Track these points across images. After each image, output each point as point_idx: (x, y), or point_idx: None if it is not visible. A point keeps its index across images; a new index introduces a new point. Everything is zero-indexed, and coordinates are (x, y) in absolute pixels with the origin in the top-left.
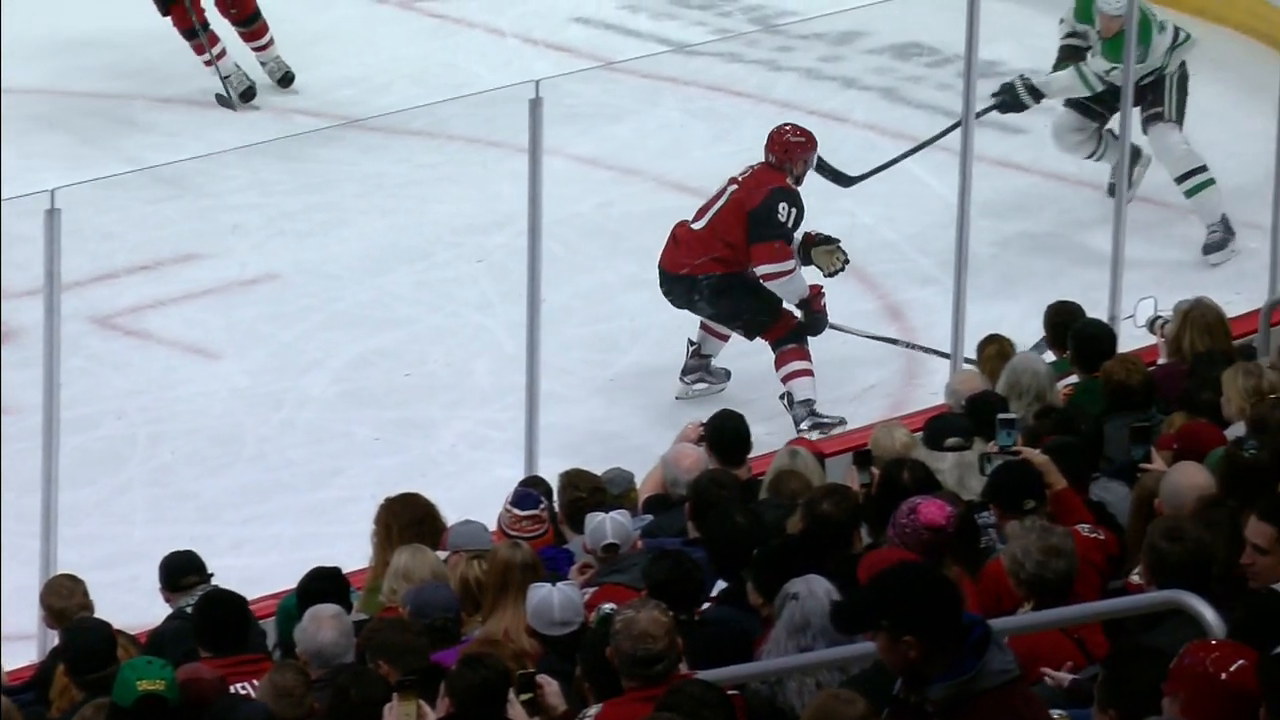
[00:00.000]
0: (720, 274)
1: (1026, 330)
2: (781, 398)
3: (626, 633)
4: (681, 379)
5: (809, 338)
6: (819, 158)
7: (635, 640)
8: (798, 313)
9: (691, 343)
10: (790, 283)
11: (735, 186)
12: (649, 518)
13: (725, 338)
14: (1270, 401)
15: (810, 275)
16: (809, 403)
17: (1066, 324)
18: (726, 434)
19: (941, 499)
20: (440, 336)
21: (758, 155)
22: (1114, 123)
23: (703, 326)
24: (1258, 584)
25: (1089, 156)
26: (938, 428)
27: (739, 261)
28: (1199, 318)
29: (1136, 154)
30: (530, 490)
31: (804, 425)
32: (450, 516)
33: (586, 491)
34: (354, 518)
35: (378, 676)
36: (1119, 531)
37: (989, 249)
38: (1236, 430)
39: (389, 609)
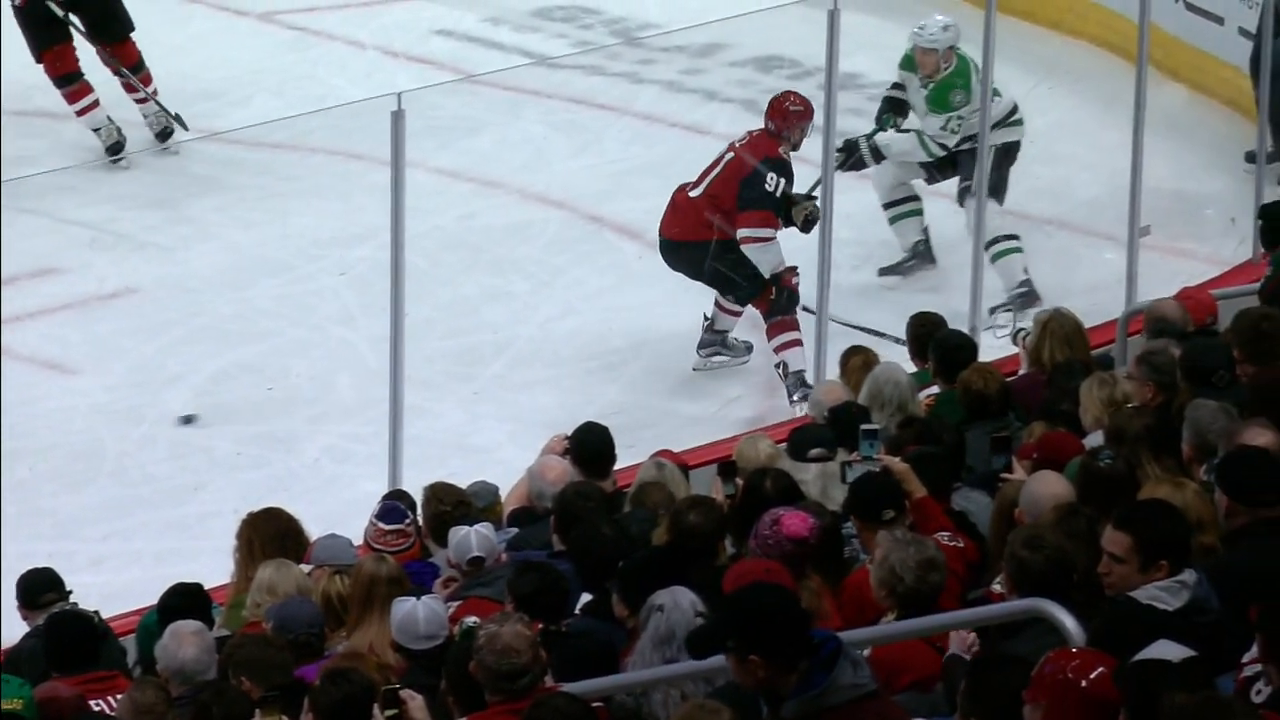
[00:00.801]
0: (718, 241)
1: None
2: (777, 367)
3: (490, 647)
4: (697, 352)
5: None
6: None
7: (499, 655)
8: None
9: (706, 317)
10: (765, 250)
11: (732, 154)
12: (514, 531)
13: (736, 313)
14: (1127, 411)
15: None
16: (800, 374)
17: (928, 335)
18: (591, 446)
19: (805, 510)
20: (303, 350)
21: (621, 167)
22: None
23: (715, 302)
24: (1115, 592)
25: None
26: (801, 439)
27: (733, 228)
28: (1057, 328)
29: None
30: (396, 504)
31: (795, 396)
32: (314, 531)
33: (451, 505)
34: (216, 533)
35: (240, 693)
36: (979, 540)
37: (851, 260)
38: (1095, 439)
39: (252, 624)
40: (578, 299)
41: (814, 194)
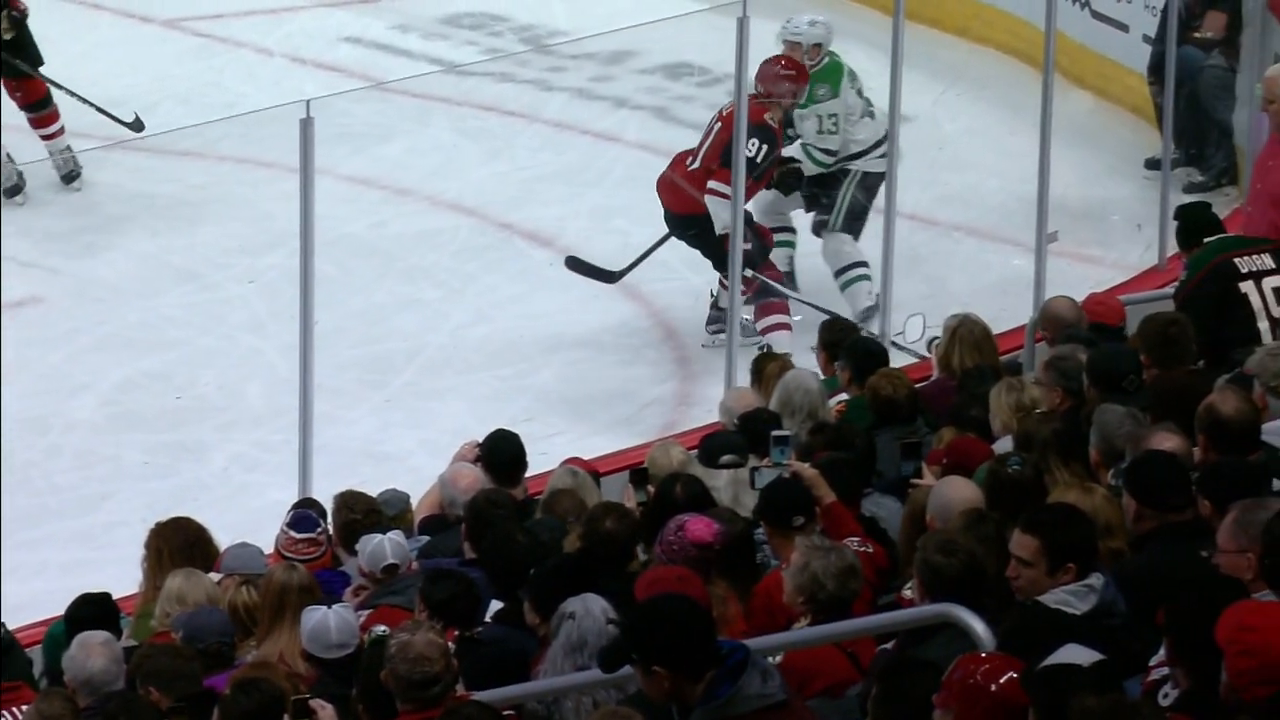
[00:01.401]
0: (703, 215)
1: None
2: (761, 349)
3: (402, 656)
4: (706, 329)
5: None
6: (576, 258)
7: (412, 663)
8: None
9: (712, 294)
10: (724, 207)
11: (720, 124)
12: (425, 539)
13: (742, 290)
14: (1036, 416)
15: None
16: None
17: (839, 341)
18: (502, 454)
19: (714, 516)
20: (211, 358)
21: (531, 174)
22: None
23: (720, 280)
24: (1023, 596)
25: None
26: (712, 445)
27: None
28: (966, 334)
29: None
30: (308, 512)
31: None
32: (223, 540)
33: (362, 513)
34: (124, 542)
35: (148, 704)
36: (889, 546)
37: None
38: (1004, 445)
39: (160, 634)
40: (489, 306)
41: (796, 160)
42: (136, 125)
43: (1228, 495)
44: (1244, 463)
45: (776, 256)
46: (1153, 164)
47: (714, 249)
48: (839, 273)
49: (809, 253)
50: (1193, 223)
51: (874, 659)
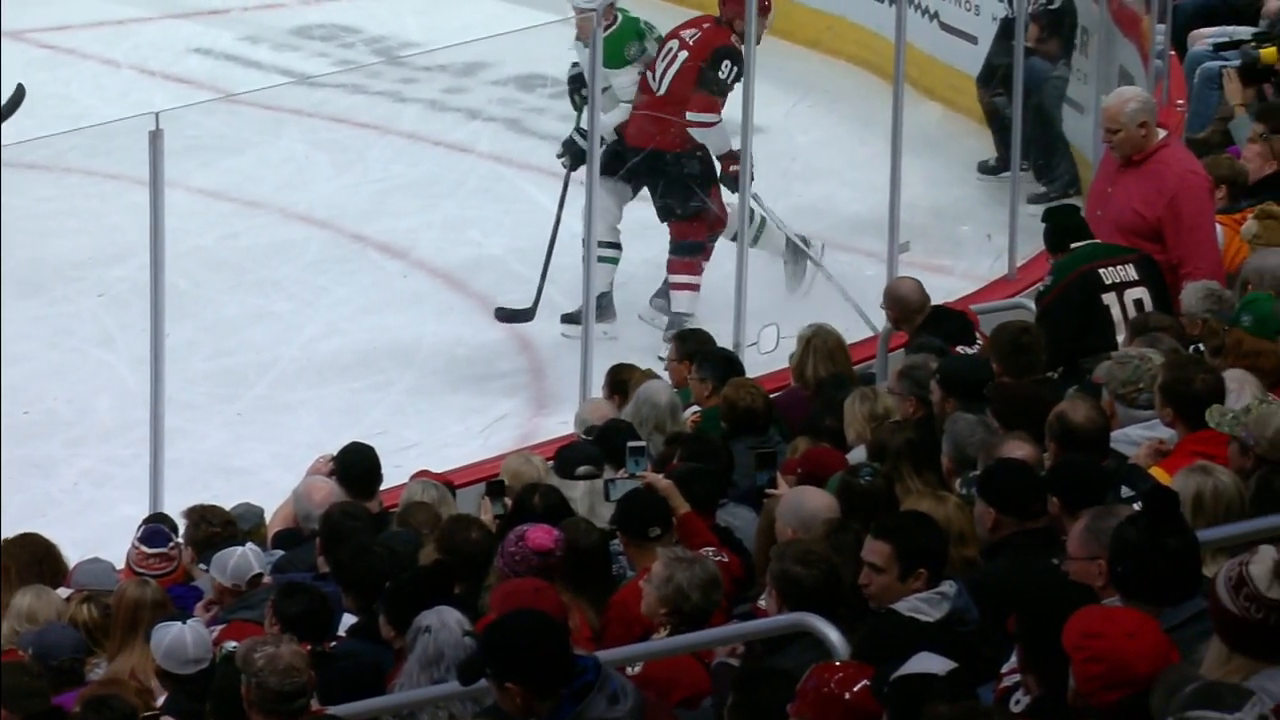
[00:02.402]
0: (678, 152)
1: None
2: (658, 295)
3: (272, 668)
4: (650, 303)
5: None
6: (501, 309)
7: (282, 675)
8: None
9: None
10: (716, 133)
11: (686, 53)
12: (279, 553)
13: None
14: (889, 426)
15: None
16: (682, 317)
17: (694, 352)
18: (357, 467)
19: (570, 526)
20: (60, 373)
21: (384, 186)
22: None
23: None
24: (877, 603)
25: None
26: (568, 456)
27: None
28: (820, 344)
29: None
30: (159, 527)
31: (666, 335)
32: (72, 556)
33: (218, 526)
34: None
35: None
36: (744, 555)
37: (619, 278)
38: (858, 454)
39: (8, 651)
40: (341, 319)
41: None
42: (17, 95)
43: (1076, 493)
44: (1091, 461)
45: (603, 272)
46: (985, 168)
47: (675, 189)
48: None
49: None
50: (1060, 226)
51: (714, 671)
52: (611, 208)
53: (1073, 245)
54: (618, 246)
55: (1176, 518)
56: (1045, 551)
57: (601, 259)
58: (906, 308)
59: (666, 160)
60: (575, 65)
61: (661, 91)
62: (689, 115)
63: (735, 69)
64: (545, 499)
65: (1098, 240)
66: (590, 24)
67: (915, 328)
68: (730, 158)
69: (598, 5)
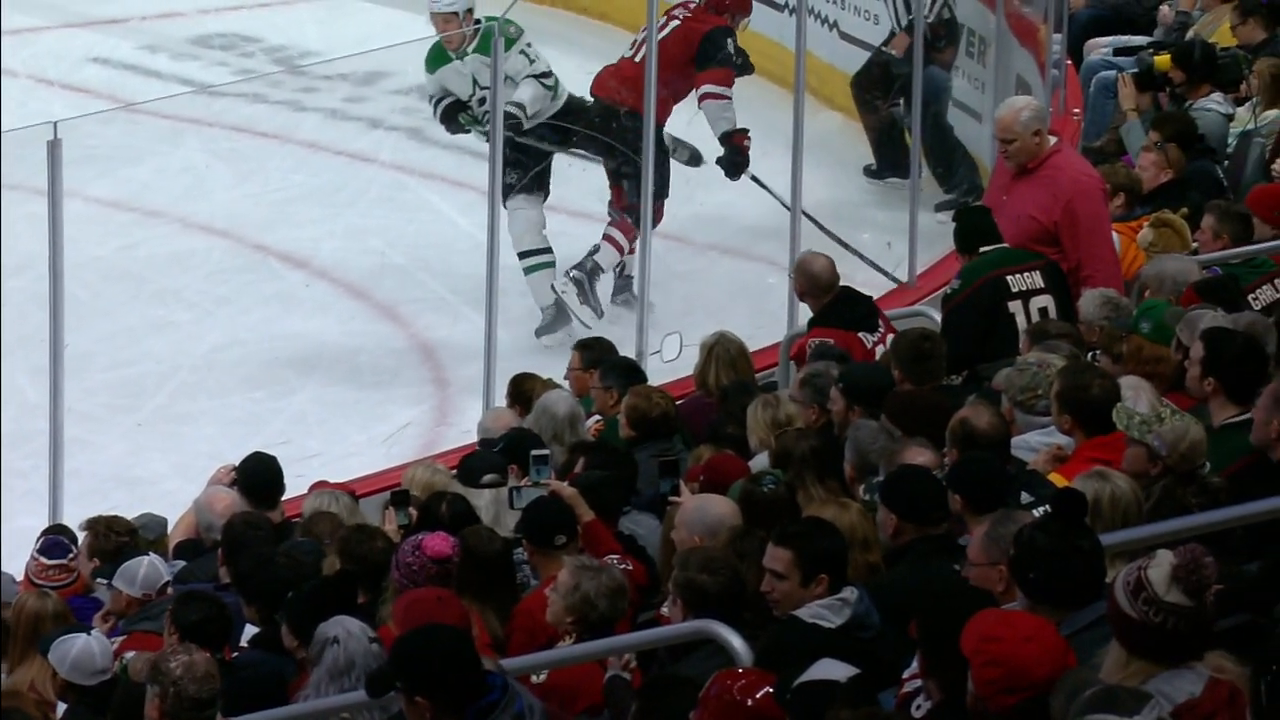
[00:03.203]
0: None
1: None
2: (593, 249)
3: (190, 675)
4: (613, 301)
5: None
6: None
7: (200, 682)
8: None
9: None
10: (726, 109)
11: (677, 21)
12: (181, 564)
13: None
14: (792, 433)
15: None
16: (598, 271)
17: (597, 360)
18: (259, 476)
19: (473, 534)
20: None
21: (285, 195)
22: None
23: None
24: (780, 610)
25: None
26: (472, 465)
27: (666, 101)
28: (722, 352)
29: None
30: (59, 538)
31: (571, 273)
32: None
33: (126, 536)
34: None
35: None
36: (648, 563)
37: (519, 285)
38: (761, 461)
39: None
40: (242, 329)
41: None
42: None
43: (979, 490)
44: (994, 458)
45: (540, 280)
46: (869, 171)
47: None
48: (522, 255)
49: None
50: (971, 228)
51: (607, 684)
52: (533, 216)
53: (982, 249)
54: (549, 250)
55: (1084, 521)
56: (946, 557)
57: (537, 267)
58: (816, 284)
59: (632, 123)
60: (446, 96)
61: (638, 58)
62: (706, 88)
63: (737, 52)
64: (452, 507)
65: (1006, 245)
66: (455, 26)
67: (822, 305)
68: (741, 134)
69: (459, 7)
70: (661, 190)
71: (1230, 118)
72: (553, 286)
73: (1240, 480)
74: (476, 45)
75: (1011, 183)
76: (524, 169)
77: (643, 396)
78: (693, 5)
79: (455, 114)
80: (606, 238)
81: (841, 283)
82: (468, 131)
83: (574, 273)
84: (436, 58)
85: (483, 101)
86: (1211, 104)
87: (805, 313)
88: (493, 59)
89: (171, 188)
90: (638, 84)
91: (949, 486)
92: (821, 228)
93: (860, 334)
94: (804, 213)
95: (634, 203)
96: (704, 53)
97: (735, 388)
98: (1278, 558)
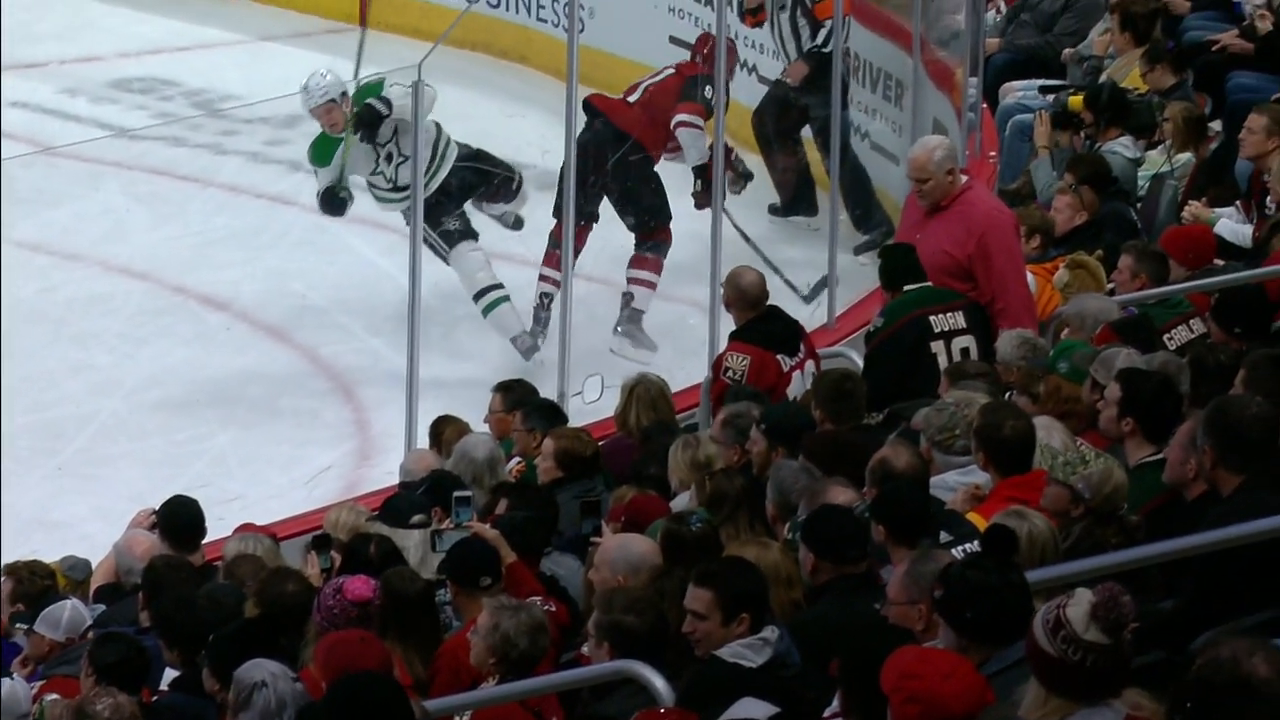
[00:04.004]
0: (645, 153)
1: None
2: (625, 295)
3: (118, 717)
4: (614, 332)
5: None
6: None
7: None
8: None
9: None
10: (699, 138)
11: (673, 70)
12: (101, 608)
13: (651, 284)
14: (723, 474)
15: None
16: (639, 315)
17: (519, 402)
18: (179, 519)
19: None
20: None
21: (206, 238)
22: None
23: (630, 279)
24: (701, 650)
25: None
26: (396, 506)
27: (661, 141)
28: (643, 393)
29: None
30: None
31: (619, 329)
32: None
33: (49, 580)
34: None
35: None
36: (570, 604)
37: (440, 328)
38: (681, 502)
39: None
40: (163, 371)
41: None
42: None
43: (902, 520)
44: (915, 488)
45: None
46: (774, 209)
47: (643, 184)
48: (477, 296)
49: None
50: (896, 266)
51: None
52: (479, 256)
53: (906, 287)
54: (500, 285)
55: (1014, 558)
56: (866, 595)
57: (495, 303)
58: (743, 297)
59: (647, 159)
60: (338, 183)
61: (635, 98)
62: (680, 117)
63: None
64: (380, 547)
65: (930, 283)
66: (337, 111)
67: (747, 319)
68: (705, 170)
69: (335, 94)
70: (664, 216)
71: (1138, 161)
72: (611, 350)
73: (1156, 518)
74: (339, 132)
75: (924, 221)
76: (461, 218)
77: (572, 438)
78: (682, 64)
79: (333, 197)
80: (633, 280)
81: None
82: (348, 203)
83: (620, 328)
84: (325, 148)
85: (390, 158)
86: (1118, 147)
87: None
88: (413, 108)
89: (91, 231)
90: (639, 123)
91: (872, 518)
92: (746, 237)
93: (779, 355)
94: (735, 225)
95: (654, 237)
96: (685, 91)
97: (656, 428)
98: (1192, 595)
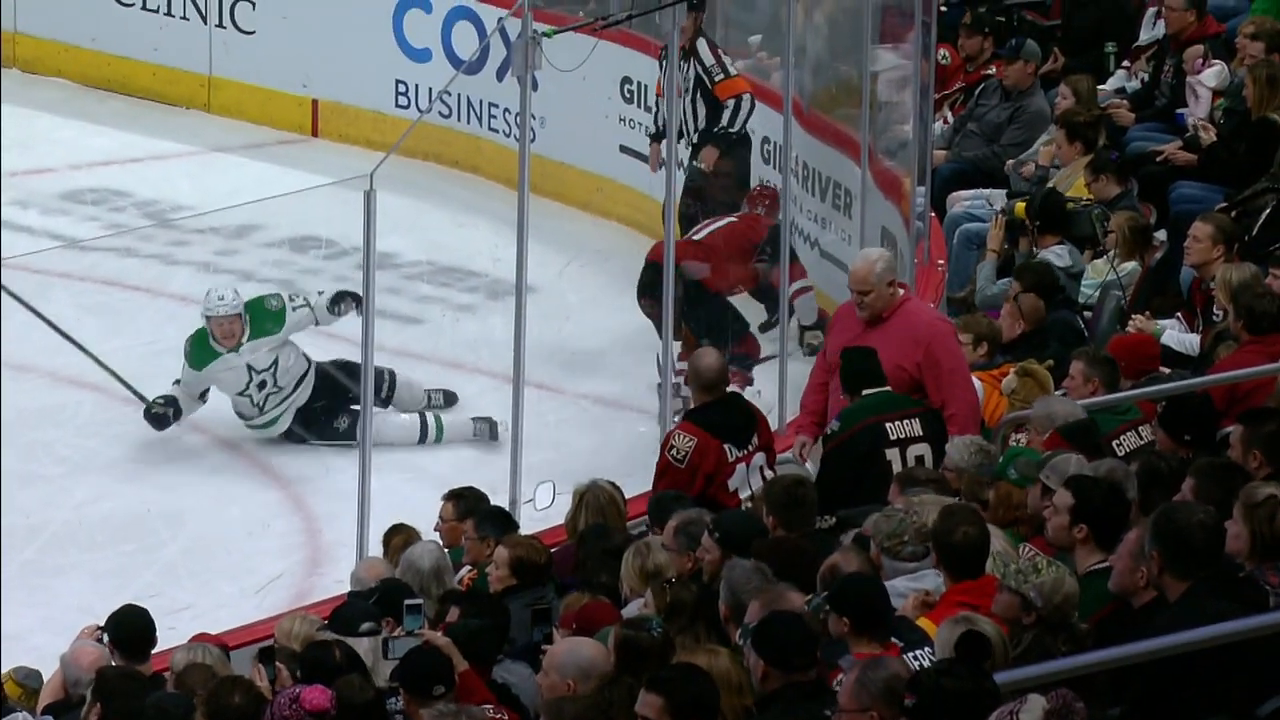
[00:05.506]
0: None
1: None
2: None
3: None
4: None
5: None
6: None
7: None
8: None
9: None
10: (808, 301)
11: (736, 218)
12: (49, 719)
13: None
14: (679, 584)
15: None
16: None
17: (471, 510)
18: (130, 629)
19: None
20: None
21: (156, 348)
22: None
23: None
24: None
25: None
26: (346, 615)
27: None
28: (593, 500)
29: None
30: None
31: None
32: None
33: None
34: None
35: None
36: (522, 712)
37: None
38: (632, 610)
39: None
40: (113, 481)
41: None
42: None
43: (861, 610)
44: (874, 579)
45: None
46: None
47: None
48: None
49: None
50: (856, 370)
51: None
52: (392, 421)
53: (865, 391)
54: (429, 407)
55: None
56: (815, 703)
57: (439, 424)
58: (698, 378)
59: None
60: (160, 401)
61: (700, 236)
62: (798, 284)
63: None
64: (345, 651)
65: (889, 388)
66: (237, 323)
67: (704, 402)
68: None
69: (240, 308)
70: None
71: (1069, 269)
72: None
73: (1105, 626)
74: (250, 332)
75: (864, 333)
76: (349, 414)
77: (526, 546)
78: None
79: (160, 416)
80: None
81: None
82: (169, 422)
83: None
84: (202, 354)
85: (262, 385)
86: (1050, 255)
87: None
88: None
89: (40, 341)
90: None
91: (832, 610)
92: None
93: (726, 445)
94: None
95: (745, 354)
96: (765, 253)
97: (592, 531)
98: (1138, 701)
